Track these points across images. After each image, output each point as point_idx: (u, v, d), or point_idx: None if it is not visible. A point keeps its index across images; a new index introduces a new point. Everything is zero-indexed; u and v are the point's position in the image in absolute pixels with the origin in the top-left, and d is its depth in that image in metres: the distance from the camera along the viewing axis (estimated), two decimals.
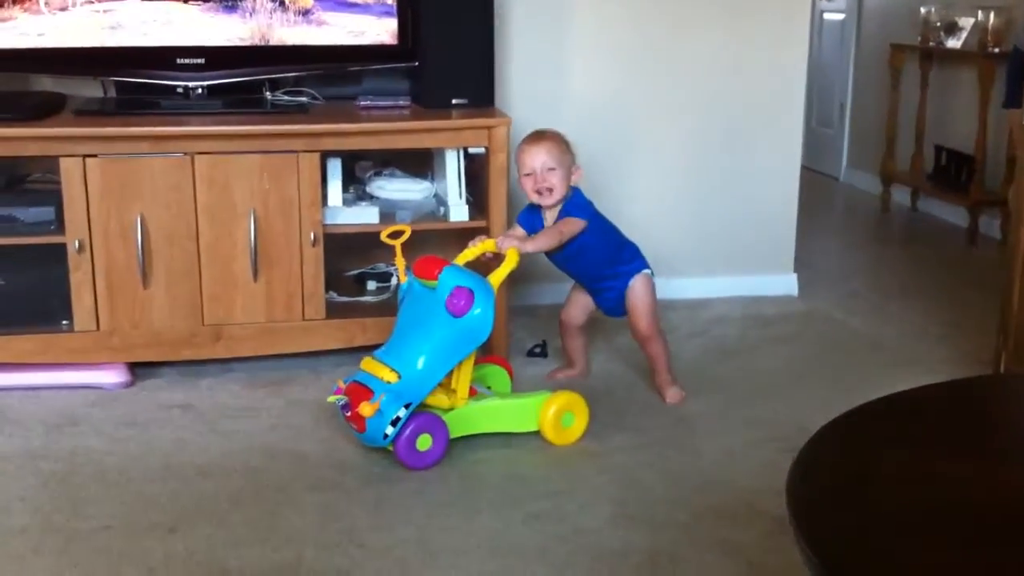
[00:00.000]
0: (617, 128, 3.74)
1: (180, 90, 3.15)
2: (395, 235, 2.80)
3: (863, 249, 4.92)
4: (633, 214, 3.80)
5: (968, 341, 3.48)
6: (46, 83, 3.33)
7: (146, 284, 2.97)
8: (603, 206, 3.74)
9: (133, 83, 3.18)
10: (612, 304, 3.01)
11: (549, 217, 2.94)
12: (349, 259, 3.43)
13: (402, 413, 2.51)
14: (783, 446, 2.65)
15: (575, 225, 2.88)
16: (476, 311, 2.58)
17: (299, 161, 2.99)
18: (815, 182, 5.83)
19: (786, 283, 3.96)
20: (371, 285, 3.37)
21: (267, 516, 2.35)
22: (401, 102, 3.30)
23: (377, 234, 3.08)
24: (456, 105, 3.22)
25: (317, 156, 3.00)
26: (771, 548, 2.23)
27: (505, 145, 3.10)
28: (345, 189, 3.18)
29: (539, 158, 2.87)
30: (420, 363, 2.56)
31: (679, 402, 2.97)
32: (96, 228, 2.92)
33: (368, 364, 2.62)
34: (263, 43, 3.15)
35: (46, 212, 2.94)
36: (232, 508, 2.38)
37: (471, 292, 2.58)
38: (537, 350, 3.30)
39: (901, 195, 5.55)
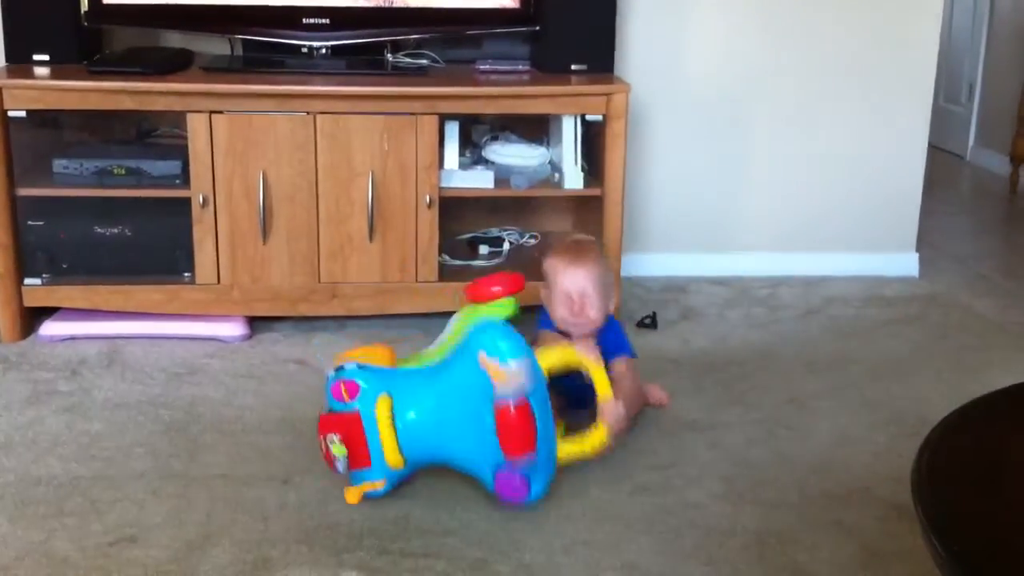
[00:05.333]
0: (739, 98, 3.66)
1: (305, 50, 3.19)
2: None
3: (989, 231, 4.75)
4: (753, 187, 3.74)
5: None
6: (175, 39, 3.39)
7: (266, 240, 3.02)
8: (722, 179, 3.72)
9: (259, 42, 3.23)
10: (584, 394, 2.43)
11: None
12: (463, 222, 3.44)
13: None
14: (901, 430, 2.59)
15: (635, 370, 2.56)
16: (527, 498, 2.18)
17: (417, 123, 3.00)
18: (940, 160, 5.64)
19: (908, 263, 3.84)
20: (483, 249, 3.37)
21: None
22: (520, 67, 3.28)
23: (491, 198, 3.08)
24: (575, 71, 3.19)
25: (435, 119, 3.01)
26: (886, 533, 2.17)
27: (624, 113, 3.06)
28: (461, 153, 3.19)
29: (579, 282, 2.45)
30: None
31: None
32: (220, 183, 2.97)
33: (382, 419, 2.17)
34: (387, 5, 3.16)
35: (173, 166, 3.01)
36: None
37: (525, 481, 2.15)
38: (647, 321, 3.27)
39: None
